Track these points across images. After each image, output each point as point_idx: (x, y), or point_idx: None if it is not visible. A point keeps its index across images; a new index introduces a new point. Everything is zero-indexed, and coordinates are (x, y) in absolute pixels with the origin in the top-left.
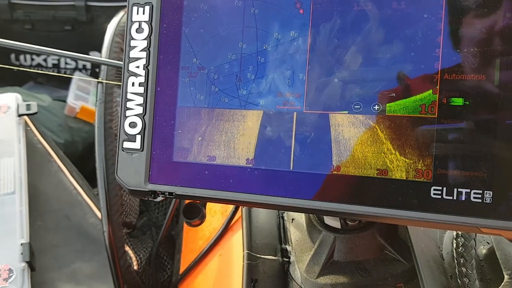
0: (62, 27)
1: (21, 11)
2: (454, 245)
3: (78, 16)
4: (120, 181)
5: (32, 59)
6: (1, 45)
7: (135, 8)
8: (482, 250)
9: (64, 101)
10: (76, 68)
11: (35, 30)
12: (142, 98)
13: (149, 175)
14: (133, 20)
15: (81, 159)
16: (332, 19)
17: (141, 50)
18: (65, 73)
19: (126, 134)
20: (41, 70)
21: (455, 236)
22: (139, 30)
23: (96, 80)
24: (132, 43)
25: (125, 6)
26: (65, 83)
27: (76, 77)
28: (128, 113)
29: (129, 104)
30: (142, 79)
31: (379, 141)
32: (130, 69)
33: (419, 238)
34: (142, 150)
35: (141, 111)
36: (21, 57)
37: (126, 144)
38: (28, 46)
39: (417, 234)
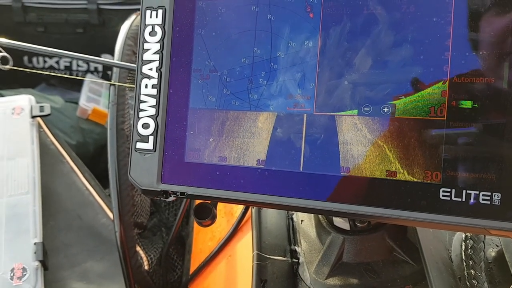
0: (74, 29)
1: (34, 14)
2: (463, 247)
3: (90, 19)
4: (133, 181)
5: (45, 61)
6: (16, 47)
7: (148, 12)
8: (491, 252)
9: (76, 103)
10: (88, 71)
11: (47, 32)
12: (155, 100)
13: (161, 175)
14: (147, 23)
15: (93, 160)
16: (341, 22)
17: (154, 53)
18: (77, 75)
19: (139, 135)
20: (54, 72)
21: (464, 239)
22: (152, 33)
23: (109, 82)
24: (146, 45)
25: (137, 9)
26: (77, 85)
27: (89, 79)
28: (141, 114)
29: (142, 106)
30: (155, 81)
31: (388, 143)
32: (143, 71)
33: (428, 240)
34: (155, 151)
35: (154, 113)
36: (34, 59)
37: (139, 145)
38: (42, 49)
39: (426, 236)
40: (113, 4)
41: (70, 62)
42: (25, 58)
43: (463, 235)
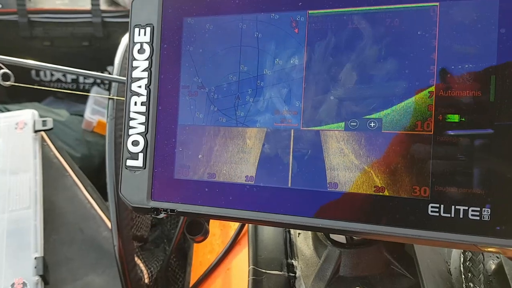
0: (80, 43)
1: (40, 29)
2: (462, 259)
3: (95, 32)
4: (123, 198)
5: (52, 75)
6: (15, 64)
7: (136, 30)
8: (491, 265)
9: (81, 115)
10: (94, 83)
11: (54, 46)
12: (144, 117)
13: (151, 192)
14: (135, 41)
15: (98, 172)
16: (326, 37)
17: (143, 70)
18: (83, 88)
19: (129, 152)
20: (61, 85)
21: (462, 251)
22: (141, 50)
23: (108, 96)
24: (134, 63)
25: None
26: (83, 97)
27: (92, 94)
28: (131, 131)
29: (131, 123)
30: (144, 99)
31: (376, 158)
32: (132, 88)
33: (426, 253)
34: (145, 168)
35: (143, 130)
36: (41, 73)
37: (129, 162)
38: (41, 65)
39: (424, 249)
40: (117, 17)
41: (77, 75)
42: (33, 72)
43: None
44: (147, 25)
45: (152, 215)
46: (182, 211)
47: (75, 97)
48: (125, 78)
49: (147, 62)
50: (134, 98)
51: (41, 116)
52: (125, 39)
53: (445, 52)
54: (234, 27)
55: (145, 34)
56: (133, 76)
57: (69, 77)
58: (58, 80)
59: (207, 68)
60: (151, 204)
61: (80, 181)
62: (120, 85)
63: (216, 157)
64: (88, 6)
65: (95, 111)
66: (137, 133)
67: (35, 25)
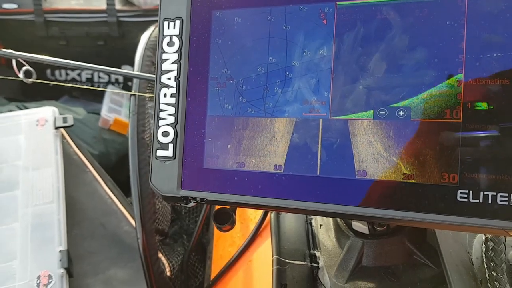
0: (95, 42)
1: (56, 28)
2: (484, 249)
3: (110, 32)
4: (154, 187)
5: (67, 74)
6: (40, 61)
7: (166, 23)
8: None
9: (98, 113)
10: (109, 82)
11: (69, 45)
12: (173, 108)
13: (181, 181)
14: (164, 34)
15: (115, 170)
16: (355, 28)
17: (172, 63)
18: (98, 86)
19: (159, 142)
20: (76, 84)
21: (484, 241)
22: (170, 43)
23: (129, 92)
24: (164, 56)
25: (155, 21)
26: (98, 96)
27: (110, 90)
28: (161, 122)
29: (161, 114)
30: (173, 90)
31: (405, 146)
32: (162, 81)
33: (448, 243)
34: (175, 158)
35: (173, 121)
36: (57, 72)
37: (159, 152)
38: (65, 62)
39: (446, 239)
40: (132, 17)
41: (92, 74)
42: (48, 71)
43: (483, 237)
44: (176, 18)
45: (182, 204)
46: (212, 199)
47: (90, 96)
48: (150, 75)
49: (176, 54)
50: (164, 90)
51: (59, 114)
52: (144, 37)
53: (474, 41)
54: (262, 20)
55: (174, 27)
56: (162, 68)
57: (84, 76)
58: (73, 79)
59: (235, 60)
60: (181, 193)
61: (100, 177)
62: (142, 82)
63: (245, 147)
64: (103, 6)
65: (112, 109)
66: (167, 124)
67: (51, 25)
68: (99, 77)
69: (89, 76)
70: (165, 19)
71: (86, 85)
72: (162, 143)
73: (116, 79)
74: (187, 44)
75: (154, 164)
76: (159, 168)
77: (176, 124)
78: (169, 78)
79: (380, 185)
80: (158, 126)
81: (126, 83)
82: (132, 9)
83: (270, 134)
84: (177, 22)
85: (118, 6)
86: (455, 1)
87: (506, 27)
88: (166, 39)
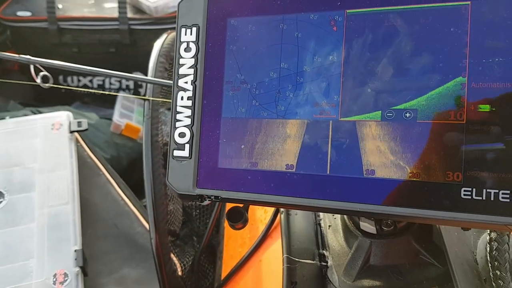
0: (107, 49)
1: (69, 36)
2: (488, 249)
3: (122, 39)
4: (170, 186)
5: (79, 80)
6: (58, 67)
7: (183, 30)
8: None
9: (110, 119)
10: (120, 88)
11: (81, 52)
12: (190, 111)
13: (197, 180)
14: (182, 40)
15: (126, 173)
16: (364, 34)
17: (189, 67)
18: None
19: (176, 143)
20: (90, 90)
21: (488, 241)
22: (187, 49)
23: (144, 97)
24: (181, 61)
25: (166, 28)
26: (109, 102)
27: (125, 95)
28: (177, 124)
29: (178, 116)
30: (190, 94)
31: (411, 146)
32: (179, 84)
33: (453, 243)
34: (190, 158)
35: (189, 122)
36: (69, 78)
37: (176, 153)
38: (84, 68)
39: (451, 239)
40: (143, 25)
41: (103, 81)
42: (60, 78)
43: (488, 238)
44: (193, 25)
45: (197, 202)
46: (226, 197)
47: (101, 102)
48: (164, 81)
49: (193, 59)
50: (180, 93)
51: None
52: (158, 44)
53: (477, 46)
54: (275, 27)
55: (191, 34)
56: (180, 73)
57: (96, 83)
58: (85, 86)
59: (249, 65)
60: (196, 191)
61: (113, 179)
62: (155, 87)
63: (258, 148)
64: (115, 14)
65: (123, 115)
66: (184, 126)
67: (64, 32)
68: (111, 84)
69: (100, 83)
70: (182, 26)
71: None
72: (178, 143)
73: (127, 86)
74: (203, 50)
75: (171, 164)
76: (175, 168)
77: (192, 125)
78: (186, 82)
79: (387, 183)
80: (175, 127)
81: (136, 89)
82: (143, 17)
83: (282, 135)
84: (194, 29)
85: (129, 14)
86: (459, 8)
87: (507, 34)
88: (183, 45)
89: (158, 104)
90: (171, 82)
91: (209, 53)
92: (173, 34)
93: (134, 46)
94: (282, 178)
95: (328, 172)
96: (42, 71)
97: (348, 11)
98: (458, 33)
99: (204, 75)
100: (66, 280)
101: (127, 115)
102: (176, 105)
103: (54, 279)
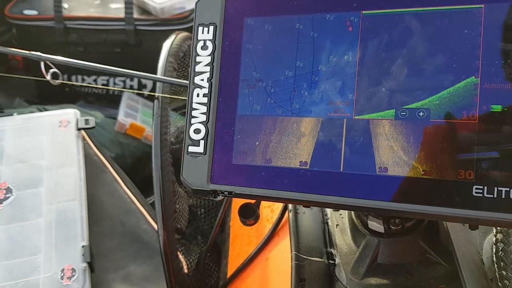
0: (112, 49)
1: (75, 35)
2: (494, 250)
3: (128, 39)
4: (185, 181)
5: (83, 80)
6: (69, 64)
7: (200, 28)
8: None
9: (115, 118)
10: (123, 88)
11: (87, 51)
12: (205, 108)
13: (211, 176)
14: (199, 38)
15: (130, 172)
16: (379, 35)
17: (205, 65)
18: (113, 92)
19: (191, 139)
20: (91, 90)
21: (494, 242)
22: (204, 47)
23: (154, 93)
24: (198, 59)
25: (171, 30)
26: (113, 102)
27: (134, 91)
28: (193, 120)
29: (194, 113)
30: (206, 91)
31: (424, 144)
32: (195, 82)
33: (460, 242)
34: (205, 154)
35: (205, 119)
36: (73, 77)
37: (191, 148)
38: (94, 65)
39: (458, 239)
40: (149, 25)
41: (107, 80)
42: (65, 77)
43: (494, 239)
44: (210, 24)
45: (210, 197)
46: (240, 193)
47: (106, 102)
48: (171, 79)
49: (209, 57)
50: (196, 90)
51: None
52: (167, 44)
53: (489, 48)
54: (291, 27)
55: (208, 32)
56: (196, 70)
57: (100, 82)
58: (89, 85)
59: (265, 63)
60: (210, 187)
61: (120, 177)
62: (164, 86)
63: (272, 144)
64: (121, 14)
65: (128, 114)
66: (199, 122)
67: (70, 31)
68: (115, 83)
69: (105, 82)
70: (200, 24)
71: (102, 91)
72: (193, 139)
73: (131, 86)
74: (219, 48)
75: (186, 160)
76: (190, 163)
77: (208, 122)
78: (202, 80)
79: (399, 181)
80: (191, 124)
81: (140, 90)
82: (149, 18)
83: (297, 133)
84: (211, 28)
85: (136, 15)
86: (473, 11)
87: None
88: (200, 43)
89: (166, 103)
90: (180, 81)
91: (225, 51)
92: (182, 34)
93: (140, 47)
94: (296, 175)
95: (341, 169)
96: (52, 68)
97: (364, 12)
98: (471, 35)
99: (220, 72)
100: (74, 275)
101: (132, 114)
102: (192, 102)
103: (62, 274)
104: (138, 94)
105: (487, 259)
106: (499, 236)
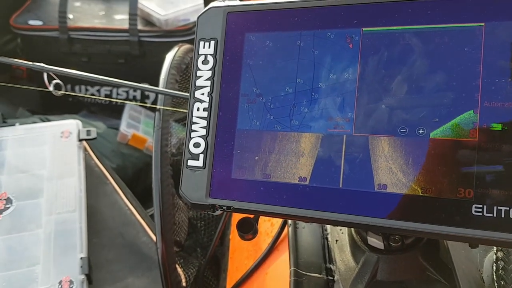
0: (116, 60)
1: (79, 45)
2: (494, 268)
3: (131, 51)
4: (183, 195)
5: (87, 90)
6: (71, 75)
7: (201, 43)
8: None
9: (117, 128)
10: (126, 99)
11: (91, 62)
12: (205, 122)
13: (210, 190)
14: (200, 53)
15: (131, 183)
16: (379, 52)
17: (206, 79)
18: (116, 103)
19: (191, 153)
20: (94, 100)
21: (494, 260)
22: (205, 62)
23: (155, 106)
24: (198, 73)
25: (175, 41)
26: (115, 112)
27: (136, 103)
28: (192, 134)
29: (193, 127)
30: (206, 105)
31: (424, 162)
32: (196, 96)
33: (460, 260)
34: (204, 168)
35: (205, 133)
36: (77, 87)
37: (190, 162)
38: (96, 77)
39: (459, 257)
40: (153, 37)
41: (111, 91)
42: (68, 87)
43: (494, 257)
44: (212, 39)
45: (209, 212)
46: (238, 208)
47: (108, 112)
48: (172, 91)
49: (210, 72)
50: (197, 104)
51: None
52: (169, 56)
53: (490, 66)
54: (292, 44)
55: (209, 47)
56: (196, 84)
57: (103, 93)
58: (93, 95)
59: (265, 79)
60: (209, 201)
61: (120, 189)
62: (166, 98)
63: (271, 159)
64: (125, 26)
65: (130, 125)
66: (199, 136)
67: (74, 42)
68: (118, 94)
69: (108, 93)
70: (201, 39)
71: (105, 102)
72: (193, 153)
73: (134, 96)
74: (220, 63)
75: (185, 173)
76: (189, 177)
77: (207, 136)
78: (203, 94)
79: (399, 198)
80: (190, 137)
81: (143, 101)
82: (153, 29)
83: (296, 148)
84: (212, 43)
85: (140, 26)
86: (473, 30)
87: None
88: (201, 58)
89: (168, 115)
90: (182, 93)
91: (226, 66)
92: (185, 47)
93: (144, 58)
94: (295, 190)
95: (340, 186)
96: (54, 79)
97: (364, 29)
98: (472, 53)
99: (220, 87)
100: (72, 287)
101: (134, 125)
102: (192, 116)
103: (60, 286)
104: (139, 104)
105: (488, 277)
106: (500, 254)
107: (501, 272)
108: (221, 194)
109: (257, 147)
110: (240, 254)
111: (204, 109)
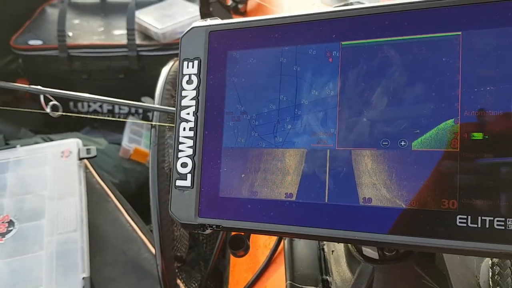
0: (116, 75)
1: (79, 63)
2: (490, 273)
3: (131, 65)
4: (173, 216)
5: (89, 106)
6: (66, 96)
7: (185, 63)
8: None
9: (119, 144)
10: (129, 113)
11: (91, 79)
12: (192, 141)
13: (199, 209)
14: (184, 73)
15: (134, 197)
16: (358, 65)
17: (191, 99)
18: (119, 117)
19: (178, 173)
20: (97, 115)
21: (490, 265)
22: (189, 81)
23: (150, 122)
24: (183, 93)
25: (174, 54)
26: (118, 127)
27: (131, 120)
28: (180, 154)
29: (180, 147)
30: (192, 124)
31: (406, 174)
32: (181, 116)
33: (456, 267)
34: (192, 187)
35: (191, 153)
36: (79, 104)
37: (178, 182)
38: (91, 97)
39: (454, 263)
40: (152, 51)
41: (113, 106)
42: (71, 104)
43: (490, 262)
44: (195, 58)
45: (199, 231)
46: (227, 226)
47: (111, 127)
48: (167, 108)
49: (194, 91)
50: (183, 124)
51: (83, 145)
52: (164, 71)
53: (468, 75)
54: (274, 60)
55: (193, 67)
56: (182, 104)
57: (105, 108)
58: (95, 111)
59: (249, 96)
60: (198, 220)
61: (122, 205)
62: (162, 114)
63: (258, 177)
64: (124, 41)
65: (132, 140)
66: (186, 156)
67: (74, 60)
68: (120, 108)
69: (110, 108)
70: (185, 59)
71: (107, 116)
72: (181, 173)
73: (136, 110)
74: (204, 82)
75: (174, 193)
76: (178, 197)
77: (194, 155)
78: (188, 113)
79: (383, 211)
80: (177, 157)
81: (145, 114)
82: (151, 43)
83: (281, 164)
84: (196, 62)
85: (138, 40)
86: (450, 39)
87: (497, 63)
88: (185, 78)
89: (164, 130)
90: (174, 109)
91: (210, 85)
92: None
93: (143, 72)
94: (281, 207)
95: (326, 201)
96: (52, 100)
97: (343, 43)
98: (450, 63)
99: (205, 106)
100: None
101: (136, 139)
102: (178, 136)
103: None
104: (142, 118)
105: (484, 283)
106: (495, 259)
107: (497, 278)
108: (210, 213)
109: (243, 164)
110: (241, 267)
111: (190, 129)
